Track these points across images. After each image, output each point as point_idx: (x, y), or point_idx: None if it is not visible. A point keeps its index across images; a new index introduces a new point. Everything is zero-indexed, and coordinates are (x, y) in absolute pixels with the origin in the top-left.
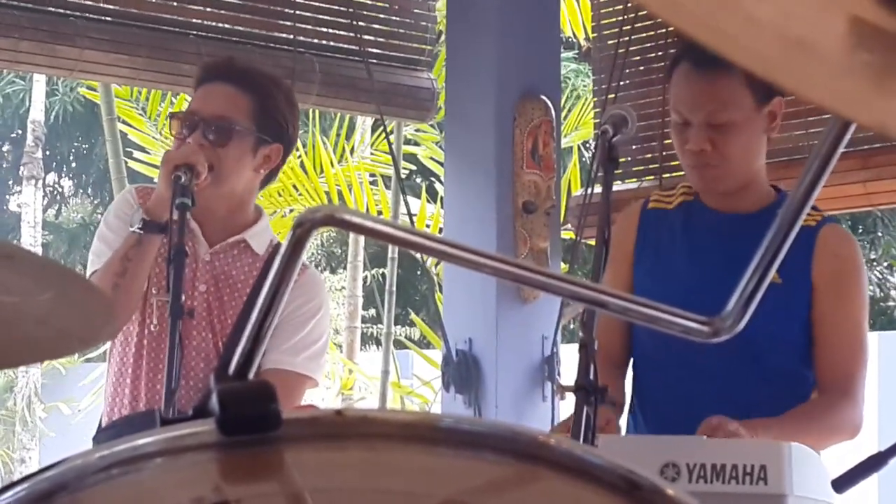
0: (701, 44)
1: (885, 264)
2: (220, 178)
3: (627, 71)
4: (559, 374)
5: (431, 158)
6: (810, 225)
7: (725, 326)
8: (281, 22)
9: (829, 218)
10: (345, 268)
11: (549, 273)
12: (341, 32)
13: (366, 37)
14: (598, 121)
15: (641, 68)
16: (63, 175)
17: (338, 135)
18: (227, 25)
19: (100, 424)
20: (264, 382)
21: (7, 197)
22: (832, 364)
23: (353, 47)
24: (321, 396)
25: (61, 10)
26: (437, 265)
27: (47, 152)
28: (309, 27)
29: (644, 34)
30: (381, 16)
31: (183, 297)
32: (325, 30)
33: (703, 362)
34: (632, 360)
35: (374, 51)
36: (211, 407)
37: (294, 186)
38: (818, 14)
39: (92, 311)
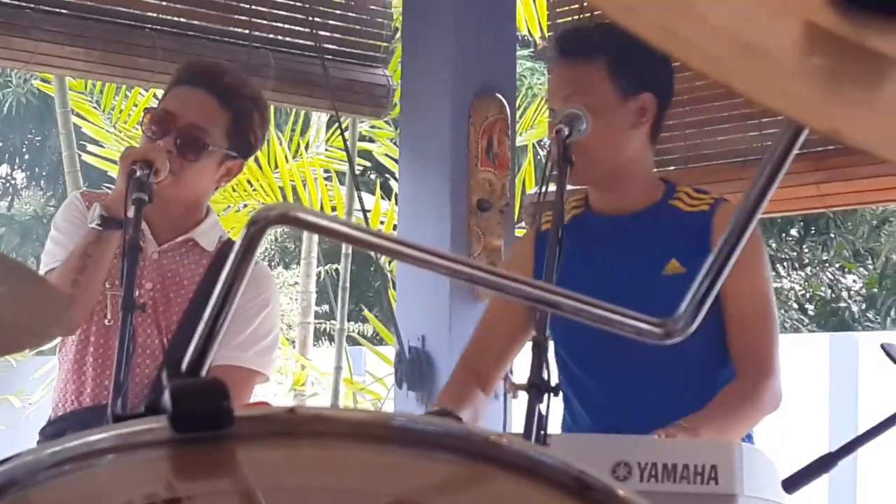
0: (565, 36)
1: (837, 266)
2: (178, 185)
3: None
4: (511, 372)
5: (386, 155)
6: (704, 210)
7: (678, 328)
8: (236, 17)
9: (721, 199)
10: (298, 263)
11: (502, 273)
12: (297, 28)
13: (322, 33)
14: (552, 120)
15: None
16: (15, 167)
17: (293, 130)
18: (182, 19)
19: (49, 418)
20: (217, 380)
21: None
22: (746, 343)
23: (309, 43)
24: (273, 392)
25: (16, 2)
26: (390, 262)
27: (0, 144)
28: (265, 22)
29: None
30: (338, 12)
31: (137, 292)
32: (280, 25)
33: (626, 352)
34: (556, 354)
35: (330, 47)
36: (163, 404)
37: (248, 181)
38: (772, 18)
39: (44, 306)
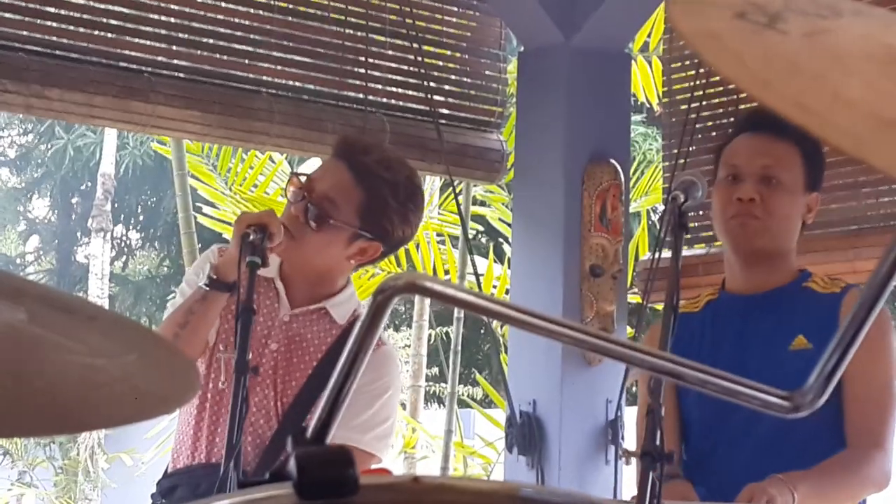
0: (765, 111)
1: None
2: (299, 252)
3: (698, 136)
4: (623, 438)
5: (499, 219)
6: (835, 292)
7: (806, 402)
8: (352, 81)
9: (853, 285)
10: (408, 326)
11: (628, 344)
12: (412, 93)
13: (436, 97)
14: (666, 186)
15: (713, 134)
16: (131, 228)
17: None
18: (298, 84)
19: (165, 472)
20: (342, 448)
21: (75, 249)
22: (862, 418)
23: (424, 107)
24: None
25: (134, 66)
26: (501, 326)
27: (116, 205)
28: (380, 87)
29: (716, 99)
30: (452, 77)
31: (249, 355)
32: (395, 90)
33: (738, 427)
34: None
35: (445, 111)
36: (289, 471)
37: None
38: None
39: (175, 373)
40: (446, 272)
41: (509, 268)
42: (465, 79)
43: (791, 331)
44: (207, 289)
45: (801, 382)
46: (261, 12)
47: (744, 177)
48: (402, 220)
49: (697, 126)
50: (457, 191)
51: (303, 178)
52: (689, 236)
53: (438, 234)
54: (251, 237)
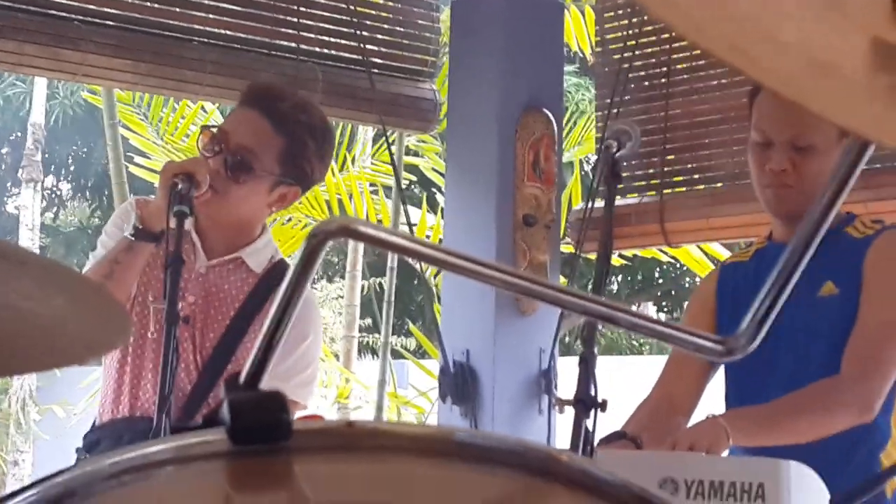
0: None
1: None
2: (223, 204)
3: (631, 86)
4: (556, 388)
5: (433, 169)
6: (869, 235)
7: (739, 346)
8: (284, 30)
9: (890, 227)
10: (342, 276)
11: (560, 288)
12: (345, 42)
13: (369, 46)
14: (599, 135)
15: (645, 84)
16: (62, 178)
17: (339, 143)
18: (230, 32)
19: (92, 426)
20: (275, 392)
21: (5, 199)
22: (856, 346)
23: (357, 57)
24: (317, 405)
25: (65, 14)
26: (435, 276)
27: (46, 155)
28: (312, 36)
29: (648, 49)
30: (385, 26)
31: (180, 305)
32: (328, 38)
33: (774, 379)
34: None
35: (378, 60)
36: (221, 416)
37: None
38: (840, 36)
39: (106, 317)
40: (380, 222)
41: (443, 218)
42: (398, 28)
43: (822, 277)
44: (133, 239)
45: (827, 328)
46: None
47: (774, 144)
48: (320, 161)
49: (630, 76)
50: (390, 140)
51: (215, 131)
52: (621, 186)
53: (372, 185)
54: (179, 186)
